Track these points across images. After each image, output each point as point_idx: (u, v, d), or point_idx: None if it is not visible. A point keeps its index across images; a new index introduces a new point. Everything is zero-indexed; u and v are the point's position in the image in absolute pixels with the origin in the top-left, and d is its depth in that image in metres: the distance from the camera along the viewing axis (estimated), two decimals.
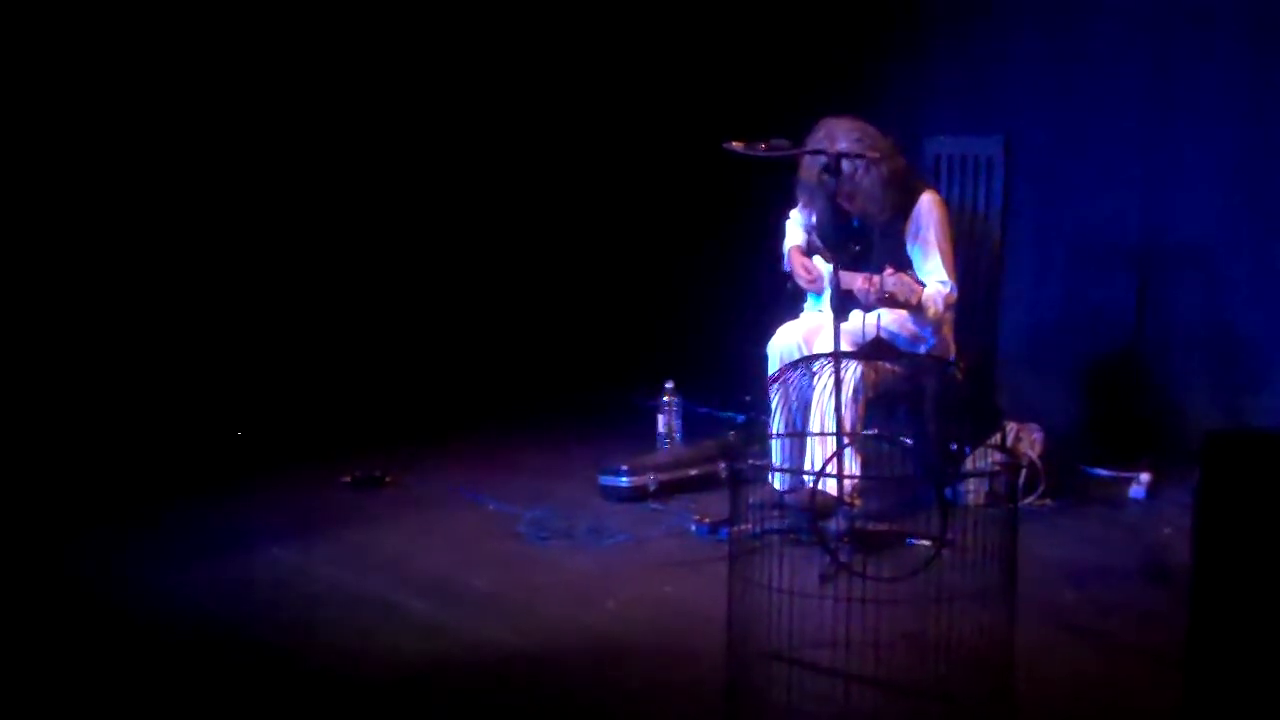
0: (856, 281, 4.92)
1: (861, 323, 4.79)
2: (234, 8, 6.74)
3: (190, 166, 6.67)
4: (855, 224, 5.25)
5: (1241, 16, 5.83)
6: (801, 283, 5.38)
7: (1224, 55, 5.89)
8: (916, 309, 4.99)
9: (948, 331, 5.28)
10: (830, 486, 4.74)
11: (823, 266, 5.29)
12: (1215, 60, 5.92)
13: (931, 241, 5.16)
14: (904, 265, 5.09)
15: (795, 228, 5.48)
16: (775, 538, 3.87)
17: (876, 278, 4.84)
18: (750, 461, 3.92)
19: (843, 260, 4.83)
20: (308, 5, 6.93)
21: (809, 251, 5.40)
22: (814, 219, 5.39)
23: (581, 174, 7.63)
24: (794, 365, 4.52)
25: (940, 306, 5.10)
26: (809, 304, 5.42)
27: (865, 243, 5.02)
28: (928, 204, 5.19)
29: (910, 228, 5.18)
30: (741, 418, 6.22)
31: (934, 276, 5.14)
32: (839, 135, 5.03)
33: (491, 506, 5.44)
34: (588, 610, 4.38)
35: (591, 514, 5.33)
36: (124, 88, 6.47)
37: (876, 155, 5.03)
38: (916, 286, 4.89)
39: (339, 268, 7.11)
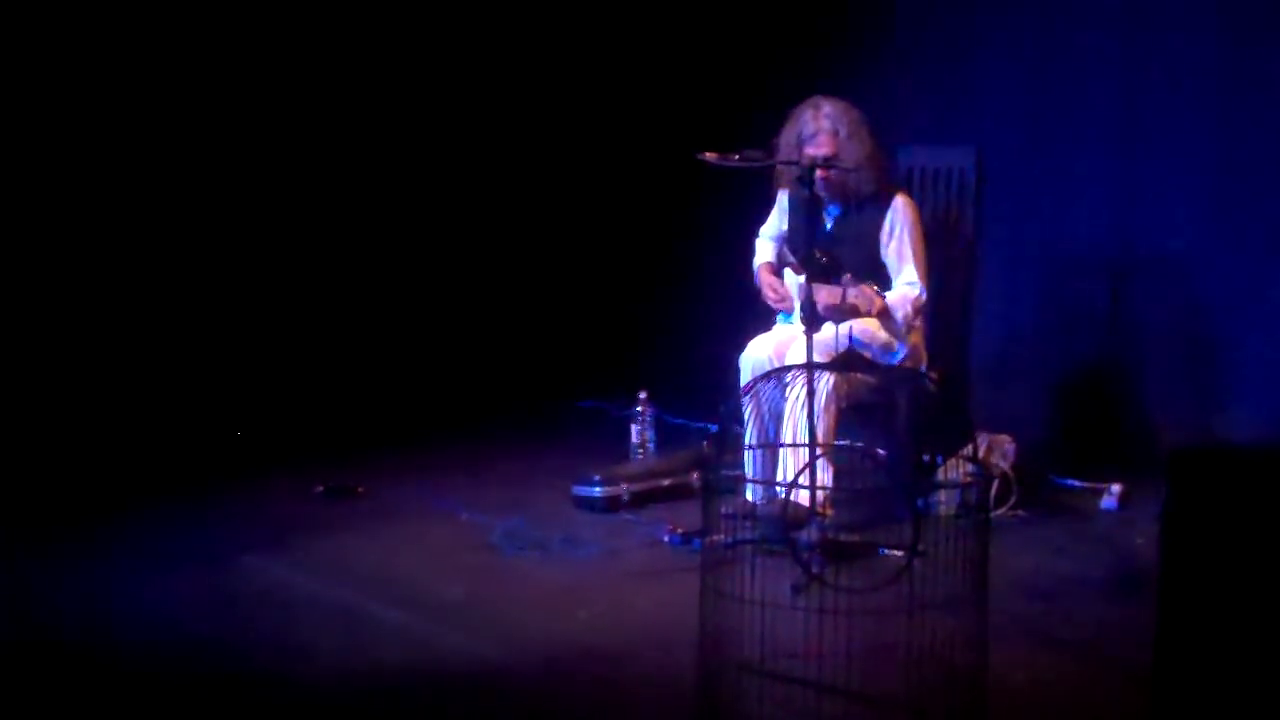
0: (821, 295, 4.94)
1: (834, 333, 4.81)
2: (233, 8, 6.73)
3: (156, 184, 6.66)
4: (828, 230, 5.27)
5: (1213, 29, 5.86)
6: (770, 303, 5.39)
7: (1196, 67, 5.92)
8: (883, 315, 5.01)
9: (920, 342, 5.30)
10: (803, 497, 4.75)
11: (791, 281, 5.30)
12: (1187, 72, 5.95)
13: (905, 243, 5.20)
14: (876, 267, 5.13)
15: (765, 244, 5.52)
16: (748, 548, 3.88)
17: (838, 290, 4.86)
18: (723, 472, 3.93)
19: (812, 272, 4.85)
20: (301, 15, 6.93)
21: (779, 265, 5.41)
22: (784, 226, 5.43)
23: (555, 183, 7.63)
24: (766, 376, 4.53)
25: (909, 310, 5.12)
26: (779, 319, 5.43)
27: (833, 254, 5.04)
28: (901, 205, 5.24)
29: (885, 229, 5.21)
30: (715, 428, 6.22)
31: (904, 279, 5.17)
32: (824, 104, 5.15)
33: (464, 516, 5.42)
34: (560, 621, 4.37)
35: (564, 524, 5.32)
36: (122, 88, 6.46)
37: (850, 166, 5.09)
38: (876, 299, 4.91)
39: (311, 276, 7.09)
